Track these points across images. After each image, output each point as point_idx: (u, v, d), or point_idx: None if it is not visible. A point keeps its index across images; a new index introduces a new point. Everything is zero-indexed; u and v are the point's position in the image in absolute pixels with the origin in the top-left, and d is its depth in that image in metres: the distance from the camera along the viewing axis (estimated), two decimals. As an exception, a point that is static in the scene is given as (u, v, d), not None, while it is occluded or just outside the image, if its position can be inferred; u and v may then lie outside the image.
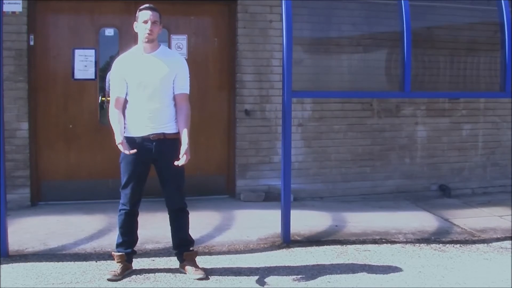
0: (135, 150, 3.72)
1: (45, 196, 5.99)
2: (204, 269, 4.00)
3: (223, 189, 6.45)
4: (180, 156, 3.77)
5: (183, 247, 4.02)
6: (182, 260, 4.02)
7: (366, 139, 6.60)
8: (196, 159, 6.42)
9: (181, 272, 4.00)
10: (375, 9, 5.86)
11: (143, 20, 3.77)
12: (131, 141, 3.81)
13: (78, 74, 5.97)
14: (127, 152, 3.72)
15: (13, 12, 5.62)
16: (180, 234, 4.01)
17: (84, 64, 5.97)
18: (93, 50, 5.98)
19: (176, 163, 3.75)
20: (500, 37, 5.21)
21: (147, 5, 3.85)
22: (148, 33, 3.76)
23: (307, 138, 6.41)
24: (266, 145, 6.32)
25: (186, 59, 6.10)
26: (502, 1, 5.15)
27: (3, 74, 4.41)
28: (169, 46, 6.14)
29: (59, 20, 5.95)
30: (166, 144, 3.84)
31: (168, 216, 4.04)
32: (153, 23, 3.77)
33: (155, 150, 3.81)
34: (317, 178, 6.48)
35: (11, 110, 5.62)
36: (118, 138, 3.74)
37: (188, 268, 3.97)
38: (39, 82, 5.89)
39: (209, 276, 3.94)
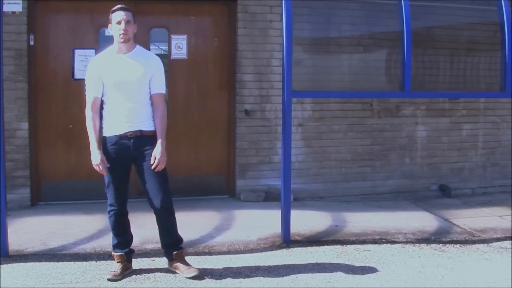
0: (108, 165, 3.81)
1: (45, 196, 5.99)
2: (197, 268, 3.99)
3: (223, 189, 6.44)
4: (152, 160, 3.76)
5: (173, 246, 4.00)
6: (171, 259, 4.01)
7: (366, 139, 6.60)
8: (196, 159, 6.47)
9: (171, 271, 4.00)
10: (375, 9, 5.85)
11: (117, 21, 3.78)
12: (107, 141, 3.84)
13: (78, 74, 5.96)
14: (103, 172, 3.81)
15: (13, 12, 5.62)
16: (169, 234, 3.98)
17: (84, 64, 5.95)
18: (93, 50, 5.96)
19: (153, 167, 3.76)
20: (500, 37, 5.21)
21: (119, 6, 3.85)
22: (122, 33, 3.77)
23: (307, 138, 6.41)
24: (266, 145, 6.32)
25: (186, 59, 6.20)
26: (502, 1, 5.16)
27: (3, 74, 4.41)
28: (169, 46, 6.15)
29: (59, 20, 5.95)
30: (144, 140, 3.84)
31: None
32: (127, 23, 3.78)
33: (134, 147, 3.82)
34: (317, 178, 6.48)
35: (11, 110, 5.62)
36: (95, 159, 3.79)
37: (180, 266, 3.96)
38: (39, 82, 5.89)
39: (204, 276, 3.93)
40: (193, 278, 3.87)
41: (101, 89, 3.84)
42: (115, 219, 3.92)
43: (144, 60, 3.87)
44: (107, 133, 3.87)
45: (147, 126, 3.87)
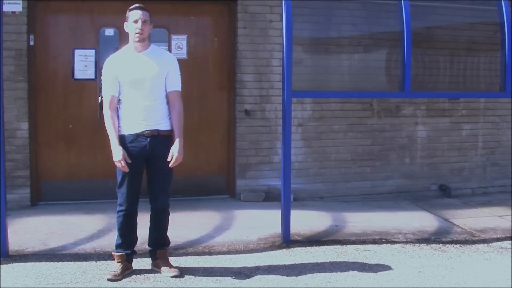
0: (129, 161, 3.80)
1: (45, 196, 5.99)
2: (178, 268, 4.01)
3: (223, 189, 6.44)
4: (169, 157, 3.81)
5: (159, 246, 4.04)
6: (155, 258, 4.05)
7: (366, 139, 6.60)
8: (196, 159, 6.46)
9: (154, 271, 4.01)
10: (375, 9, 5.85)
11: (134, 20, 3.82)
12: (125, 139, 3.84)
13: (78, 74, 5.97)
14: (125, 169, 3.77)
15: (13, 12, 5.62)
16: (159, 234, 4.03)
17: (84, 64, 5.97)
18: (93, 50, 5.98)
19: (170, 165, 3.82)
20: (500, 37, 5.21)
21: (137, 4, 3.88)
22: (138, 33, 3.80)
23: (307, 138, 6.41)
24: (266, 145, 6.32)
25: (186, 59, 6.20)
26: (502, 1, 5.16)
27: (3, 74, 4.41)
28: (169, 46, 6.15)
29: (59, 20, 5.95)
30: (160, 140, 3.87)
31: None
32: (144, 22, 3.81)
33: (149, 146, 3.84)
34: (317, 178, 6.48)
35: (11, 110, 5.62)
36: (117, 155, 3.77)
37: (162, 266, 4.00)
38: (39, 82, 5.89)
39: (184, 274, 3.95)
40: (174, 277, 3.90)
41: (118, 87, 3.86)
42: (123, 220, 3.91)
43: (159, 58, 3.91)
44: (124, 131, 3.87)
45: (163, 125, 3.90)
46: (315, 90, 5.61)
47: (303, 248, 4.66)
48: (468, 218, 5.76)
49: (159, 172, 3.89)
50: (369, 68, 6.23)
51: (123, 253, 3.94)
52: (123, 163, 3.76)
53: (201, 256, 4.38)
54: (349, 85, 6.07)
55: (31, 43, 5.77)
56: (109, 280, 3.82)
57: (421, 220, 5.64)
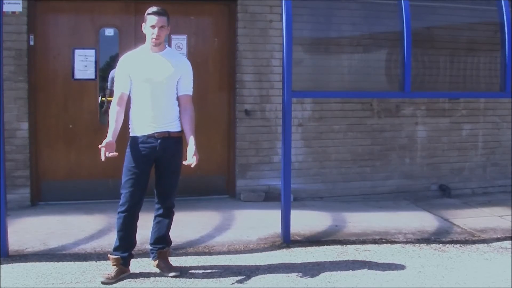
0: (115, 154, 3.69)
1: (45, 196, 5.99)
2: (179, 267, 4.03)
3: (223, 189, 6.45)
4: (189, 159, 3.86)
5: (161, 244, 4.05)
6: (155, 258, 4.06)
7: (366, 139, 6.60)
8: (196, 159, 6.46)
9: (154, 271, 4.01)
10: (375, 9, 5.85)
11: (151, 25, 3.86)
12: (137, 140, 3.86)
13: (78, 74, 5.97)
14: (102, 157, 3.69)
15: (13, 12, 5.63)
16: (162, 232, 4.04)
17: (84, 64, 5.97)
18: (93, 50, 5.98)
19: (185, 163, 3.87)
20: (500, 37, 5.21)
21: (155, 9, 3.88)
22: (155, 38, 3.86)
23: (307, 138, 6.41)
24: (266, 145, 6.33)
25: (185, 59, 6.20)
26: (502, 1, 5.16)
27: (3, 74, 4.41)
28: (169, 46, 6.14)
29: (59, 20, 5.95)
30: (170, 142, 3.90)
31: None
32: (160, 28, 3.85)
33: (160, 147, 3.86)
34: (317, 178, 6.48)
35: (11, 110, 5.62)
36: (104, 142, 3.72)
37: (163, 265, 4.01)
38: (39, 82, 5.89)
39: (184, 274, 3.97)
40: (174, 277, 3.92)
41: (129, 85, 3.89)
42: (123, 222, 3.87)
43: (174, 61, 3.95)
44: (135, 132, 3.89)
45: (174, 127, 3.92)
46: (315, 90, 5.60)
47: (303, 248, 4.66)
48: (468, 218, 5.76)
49: (169, 173, 3.93)
50: (369, 68, 6.23)
51: (119, 257, 3.90)
52: (102, 150, 3.65)
53: (201, 256, 4.38)
54: (349, 85, 6.06)
55: (31, 43, 5.78)
56: (102, 283, 3.79)
57: (421, 220, 5.64)
